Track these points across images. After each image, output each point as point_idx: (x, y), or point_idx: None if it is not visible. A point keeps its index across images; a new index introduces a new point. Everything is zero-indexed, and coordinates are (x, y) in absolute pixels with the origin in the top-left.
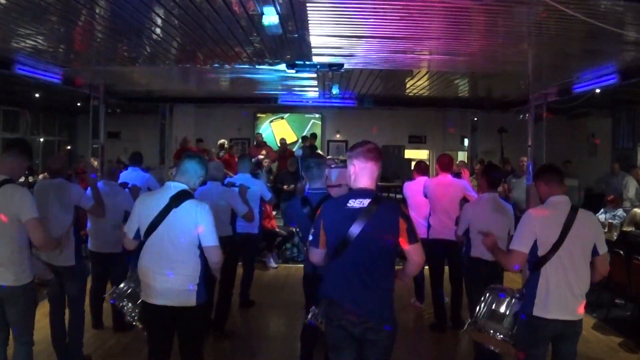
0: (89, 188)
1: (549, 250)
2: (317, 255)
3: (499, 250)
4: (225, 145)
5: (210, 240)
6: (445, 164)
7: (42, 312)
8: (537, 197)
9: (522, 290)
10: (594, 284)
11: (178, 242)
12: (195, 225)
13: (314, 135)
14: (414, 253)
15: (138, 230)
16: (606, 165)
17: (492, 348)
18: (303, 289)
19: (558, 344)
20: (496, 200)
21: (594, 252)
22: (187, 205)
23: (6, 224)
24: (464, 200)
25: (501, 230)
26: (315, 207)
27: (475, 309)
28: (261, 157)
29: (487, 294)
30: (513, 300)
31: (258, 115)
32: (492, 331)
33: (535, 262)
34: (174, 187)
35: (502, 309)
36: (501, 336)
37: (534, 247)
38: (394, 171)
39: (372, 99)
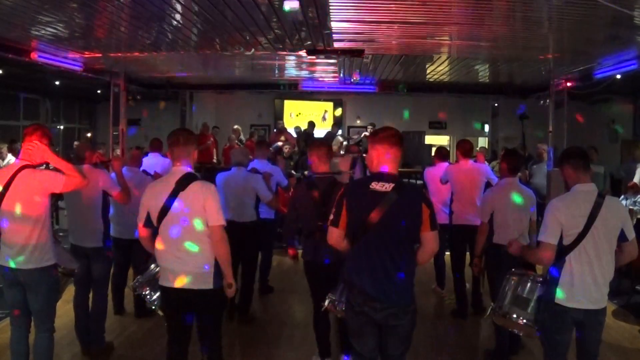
0: (113, 173)
1: (574, 241)
2: (335, 235)
3: (526, 250)
4: (240, 132)
5: (215, 219)
6: (466, 149)
7: (64, 299)
8: (559, 182)
9: (546, 276)
10: (614, 270)
11: (189, 224)
12: (203, 206)
13: (311, 124)
14: (431, 240)
15: (148, 219)
16: (627, 152)
17: (517, 332)
18: (306, 276)
19: (582, 332)
20: (516, 185)
21: (623, 238)
22: (193, 186)
23: (28, 208)
24: (488, 184)
25: (523, 215)
26: None
27: (497, 294)
28: (280, 143)
29: (510, 279)
30: (537, 284)
31: (277, 100)
32: (515, 316)
33: (560, 250)
34: (177, 171)
35: (526, 294)
36: (525, 321)
37: (559, 236)
38: (415, 157)
39: (392, 85)
